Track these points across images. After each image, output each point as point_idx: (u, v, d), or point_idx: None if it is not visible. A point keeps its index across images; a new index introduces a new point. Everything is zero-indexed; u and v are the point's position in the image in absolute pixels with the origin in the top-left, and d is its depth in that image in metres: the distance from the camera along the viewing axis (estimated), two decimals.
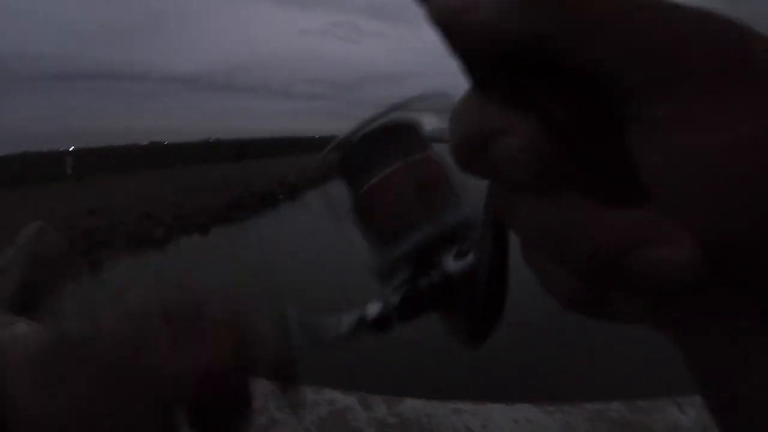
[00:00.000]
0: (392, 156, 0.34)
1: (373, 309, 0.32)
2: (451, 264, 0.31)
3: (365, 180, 0.34)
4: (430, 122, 0.37)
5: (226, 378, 0.29)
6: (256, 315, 0.32)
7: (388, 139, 0.35)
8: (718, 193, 0.14)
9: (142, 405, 0.27)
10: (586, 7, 0.15)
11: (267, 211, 18.04)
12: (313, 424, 1.25)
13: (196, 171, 25.10)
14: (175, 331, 0.30)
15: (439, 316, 0.32)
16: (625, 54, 0.15)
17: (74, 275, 10.19)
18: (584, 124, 0.16)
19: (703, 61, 0.15)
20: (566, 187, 0.16)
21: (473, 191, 0.34)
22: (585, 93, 0.16)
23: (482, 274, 0.27)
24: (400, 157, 0.34)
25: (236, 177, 21.20)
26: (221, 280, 9.56)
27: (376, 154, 0.34)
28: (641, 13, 0.15)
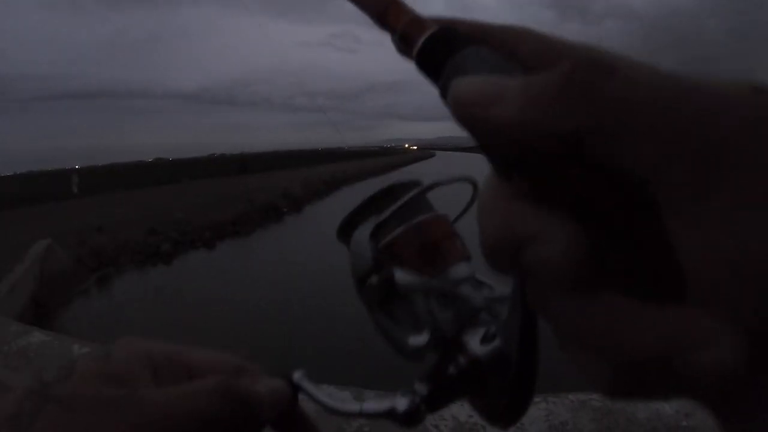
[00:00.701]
0: (396, 220, 0.33)
1: (402, 402, 0.30)
2: (478, 348, 0.30)
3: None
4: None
5: (217, 425, 0.28)
6: (255, 372, 0.33)
7: (390, 203, 0.33)
8: (762, 291, 0.14)
9: None
10: (621, 105, 0.14)
11: (272, 224, 18.10)
12: (310, 416, 1.32)
13: (201, 186, 25.23)
14: (158, 375, 0.29)
15: (468, 400, 0.32)
16: (666, 152, 0.14)
17: (82, 291, 10.28)
18: (619, 221, 0.16)
19: (743, 156, 0.14)
20: (604, 285, 0.16)
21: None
22: (617, 187, 0.15)
23: (511, 358, 0.27)
24: (405, 219, 0.33)
25: (241, 191, 21.30)
26: (228, 295, 9.60)
27: (380, 220, 0.33)
28: (677, 103, 0.14)
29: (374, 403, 0.31)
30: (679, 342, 0.14)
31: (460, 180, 0.34)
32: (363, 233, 0.34)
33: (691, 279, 0.15)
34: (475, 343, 0.30)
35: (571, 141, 0.15)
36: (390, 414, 0.30)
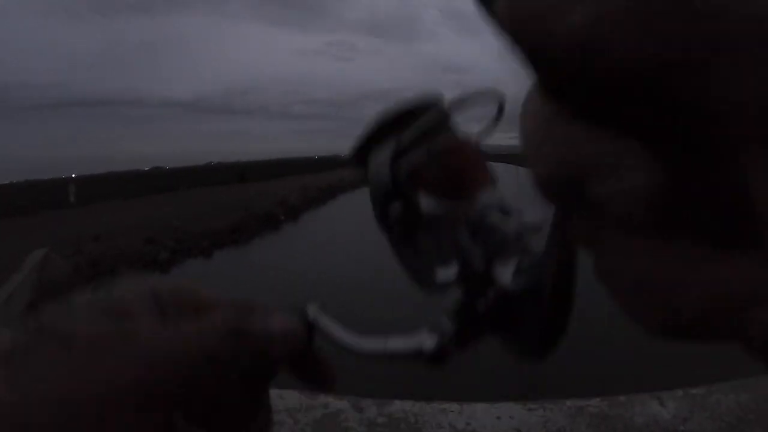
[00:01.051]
0: (419, 142, 0.30)
1: (430, 341, 0.28)
2: (510, 280, 0.27)
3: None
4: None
5: (225, 365, 0.26)
6: (266, 309, 0.30)
7: (407, 125, 0.30)
8: None
9: (129, 394, 0.24)
10: (724, 29, 0.11)
11: (269, 233, 18.10)
12: (308, 425, 1.32)
13: (198, 194, 25.23)
14: (163, 312, 0.28)
15: (497, 336, 0.29)
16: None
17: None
18: (700, 164, 0.13)
19: None
20: (678, 232, 0.14)
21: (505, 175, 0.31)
22: (698, 128, 0.13)
23: (545, 293, 0.25)
24: (428, 141, 0.30)
25: (238, 199, 21.30)
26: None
27: (401, 142, 0.30)
28: None
29: (399, 342, 0.29)
30: (754, 295, 0.13)
31: (487, 95, 0.31)
32: (383, 156, 0.30)
33: None
34: (506, 277, 0.27)
35: (649, 71, 0.12)
36: (416, 354, 0.28)
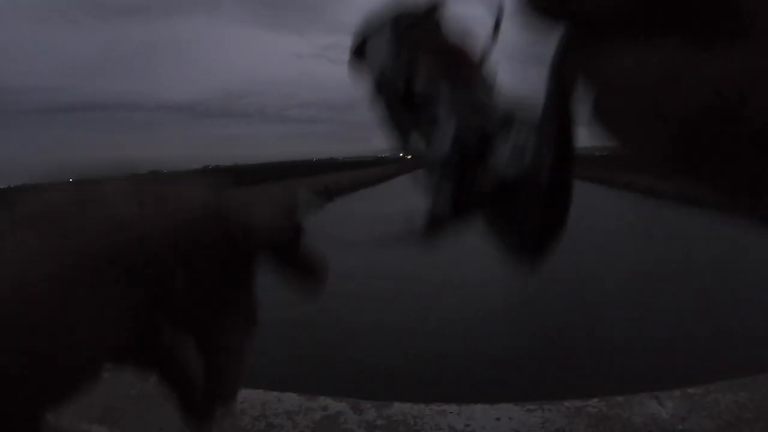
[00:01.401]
0: (409, 41, 0.31)
1: (421, 217, 0.28)
2: (505, 161, 0.27)
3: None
4: None
5: (202, 247, 0.25)
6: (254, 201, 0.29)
7: (403, 25, 0.31)
8: None
9: (103, 271, 0.22)
10: None
11: None
12: (308, 427, 1.32)
13: None
14: (142, 201, 0.26)
15: (490, 227, 0.29)
16: None
17: None
18: None
19: None
20: (664, 30, 0.14)
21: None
22: None
23: (543, 175, 0.24)
24: (425, 34, 0.31)
25: None
26: None
27: (392, 41, 0.31)
28: None
29: (390, 221, 0.29)
30: (744, 85, 0.13)
31: None
32: (381, 39, 0.31)
33: (756, 22, 0.13)
34: (502, 154, 0.27)
35: None
36: (408, 230, 0.28)
